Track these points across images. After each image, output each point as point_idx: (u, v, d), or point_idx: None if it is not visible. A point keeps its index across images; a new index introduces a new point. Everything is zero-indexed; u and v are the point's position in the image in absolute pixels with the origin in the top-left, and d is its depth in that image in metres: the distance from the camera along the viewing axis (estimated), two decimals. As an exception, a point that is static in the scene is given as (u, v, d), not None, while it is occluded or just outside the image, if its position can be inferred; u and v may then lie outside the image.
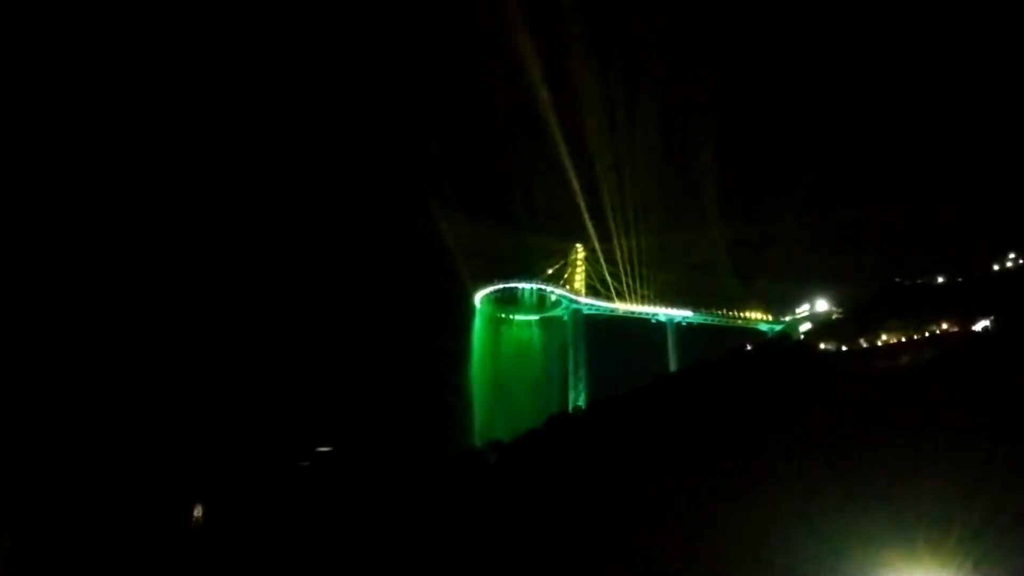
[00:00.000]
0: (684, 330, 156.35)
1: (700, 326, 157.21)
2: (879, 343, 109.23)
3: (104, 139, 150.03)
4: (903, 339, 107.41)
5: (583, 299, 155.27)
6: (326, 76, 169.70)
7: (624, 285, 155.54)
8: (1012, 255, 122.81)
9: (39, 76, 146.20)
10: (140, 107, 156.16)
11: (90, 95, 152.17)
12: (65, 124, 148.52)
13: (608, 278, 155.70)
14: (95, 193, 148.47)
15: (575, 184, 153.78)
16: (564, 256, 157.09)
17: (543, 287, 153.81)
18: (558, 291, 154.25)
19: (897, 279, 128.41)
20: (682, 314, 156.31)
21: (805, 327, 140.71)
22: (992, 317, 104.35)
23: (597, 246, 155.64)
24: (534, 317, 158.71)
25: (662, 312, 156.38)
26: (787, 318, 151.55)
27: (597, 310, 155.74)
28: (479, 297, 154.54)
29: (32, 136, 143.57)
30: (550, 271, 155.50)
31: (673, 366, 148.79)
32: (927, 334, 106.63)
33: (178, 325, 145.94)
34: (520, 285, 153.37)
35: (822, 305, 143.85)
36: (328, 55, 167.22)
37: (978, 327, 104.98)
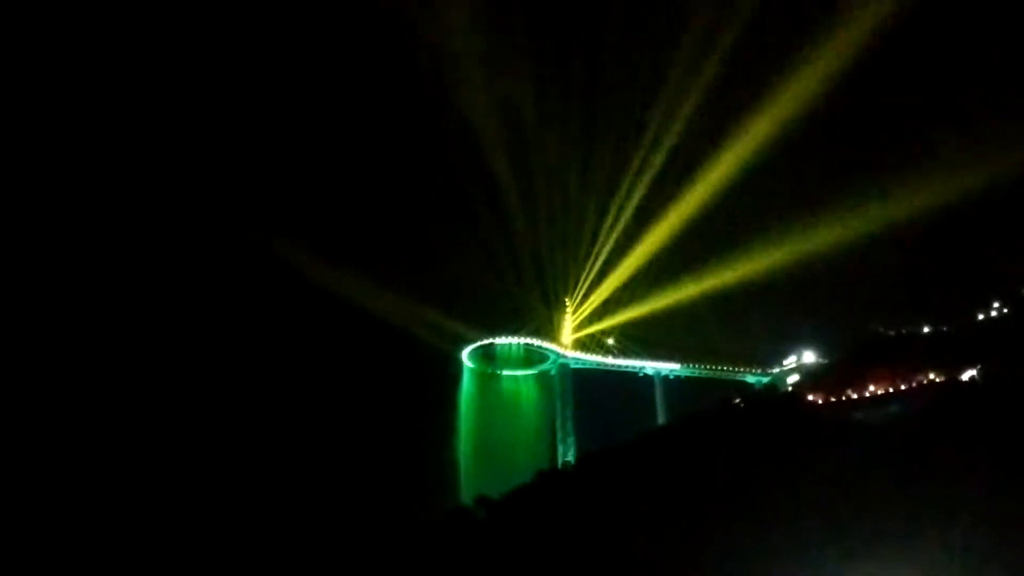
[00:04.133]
0: (672, 383, 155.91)
1: (688, 379, 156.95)
2: (867, 394, 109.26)
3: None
4: (890, 389, 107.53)
5: (570, 353, 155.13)
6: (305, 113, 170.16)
7: (611, 339, 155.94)
8: (996, 304, 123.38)
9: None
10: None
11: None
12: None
13: (595, 332, 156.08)
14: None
15: (562, 238, 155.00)
16: (552, 310, 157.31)
17: (530, 342, 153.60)
18: (545, 345, 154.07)
19: (881, 329, 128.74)
20: (670, 367, 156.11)
21: (793, 379, 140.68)
22: (978, 367, 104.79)
23: (583, 300, 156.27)
24: (521, 372, 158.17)
25: (649, 365, 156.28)
26: (774, 370, 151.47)
27: (584, 364, 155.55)
28: (466, 353, 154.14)
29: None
30: (537, 326, 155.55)
31: (661, 419, 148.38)
32: (914, 384, 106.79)
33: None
34: (507, 340, 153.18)
35: (809, 356, 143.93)
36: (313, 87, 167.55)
37: (965, 377, 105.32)
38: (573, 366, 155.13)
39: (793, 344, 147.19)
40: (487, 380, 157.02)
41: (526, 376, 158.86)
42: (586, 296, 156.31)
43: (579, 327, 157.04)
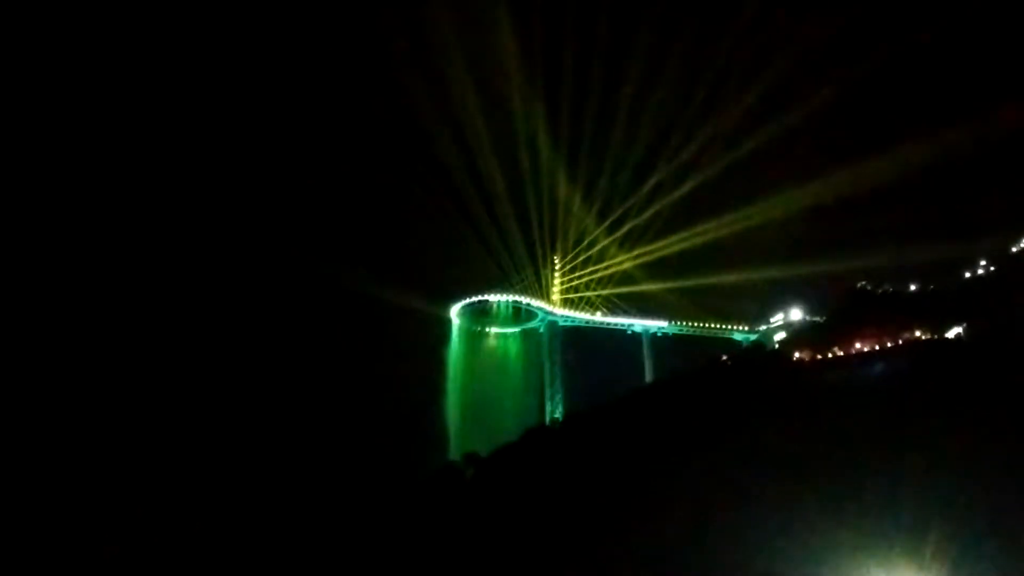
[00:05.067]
0: (659, 341, 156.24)
1: (675, 337, 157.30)
2: (853, 351, 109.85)
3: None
4: (877, 347, 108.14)
5: (559, 311, 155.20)
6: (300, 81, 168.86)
7: (599, 296, 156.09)
8: (983, 262, 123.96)
9: (38, 76, 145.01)
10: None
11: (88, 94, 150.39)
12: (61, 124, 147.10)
13: (584, 289, 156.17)
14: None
15: (551, 194, 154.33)
16: (540, 268, 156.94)
17: (519, 299, 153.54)
18: (534, 303, 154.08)
19: (868, 287, 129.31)
20: (657, 325, 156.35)
21: (780, 336, 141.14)
22: (964, 324, 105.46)
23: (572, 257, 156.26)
24: (510, 329, 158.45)
25: (637, 323, 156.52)
26: (762, 327, 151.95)
27: (573, 321, 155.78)
28: (455, 310, 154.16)
29: (31, 136, 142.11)
30: (526, 283, 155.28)
31: (649, 377, 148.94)
32: (900, 342, 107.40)
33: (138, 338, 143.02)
34: (496, 297, 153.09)
35: (796, 314, 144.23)
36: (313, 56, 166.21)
37: (950, 334, 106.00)
38: (562, 323, 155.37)
39: (780, 302, 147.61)
40: (476, 338, 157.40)
41: (515, 333, 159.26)
42: (576, 254, 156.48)
43: (568, 285, 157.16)
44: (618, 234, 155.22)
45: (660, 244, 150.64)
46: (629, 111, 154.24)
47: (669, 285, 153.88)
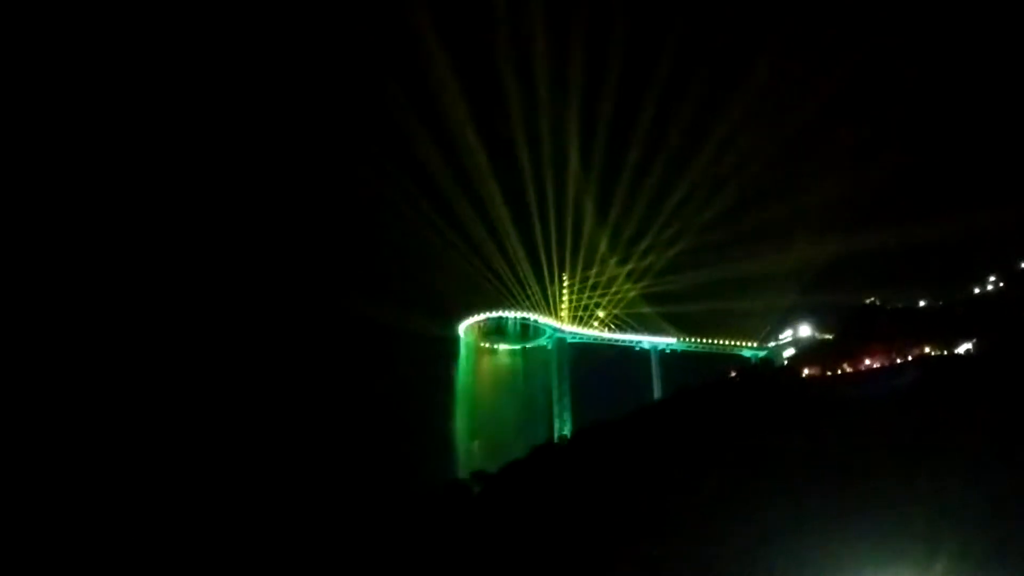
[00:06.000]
0: (668, 357, 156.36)
1: (684, 353, 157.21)
2: (862, 367, 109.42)
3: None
4: (886, 363, 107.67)
5: (567, 328, 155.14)
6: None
7: (608, 313, 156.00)
8: (992, 278, 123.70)
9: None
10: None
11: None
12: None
13: (593, 307, 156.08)
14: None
15: (558, 212, 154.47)
16: (549, 285, 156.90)
17: (527, 316, 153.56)
18: (542, 320, 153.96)
19: (877, 303, 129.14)
20: (666, 341, 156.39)
21: (789, 352, 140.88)
22: (974, 340, 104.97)
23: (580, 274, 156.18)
24: (518, 347, 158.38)
25: (646, 340, 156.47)
26: (771, 344, 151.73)
27: (581, 338, 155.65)
28: (463, 327, 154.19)
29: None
30: (534, 300, 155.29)
31: (657, 393, 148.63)
32: (909, 358, 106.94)
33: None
34: (504, 314, 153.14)
35: (805, 330, 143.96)
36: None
37: (960, 350, 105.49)
38: (570, 340, 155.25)
39: (789, 318, 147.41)
40: (483, 355, 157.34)
41: (523, 350, 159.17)
42: (584, 271, 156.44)
43: (576, 302, 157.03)
44: (629, 266, 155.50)
45: (670, 279, 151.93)
46: (645, 134, 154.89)
47: (678, 309, 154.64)
